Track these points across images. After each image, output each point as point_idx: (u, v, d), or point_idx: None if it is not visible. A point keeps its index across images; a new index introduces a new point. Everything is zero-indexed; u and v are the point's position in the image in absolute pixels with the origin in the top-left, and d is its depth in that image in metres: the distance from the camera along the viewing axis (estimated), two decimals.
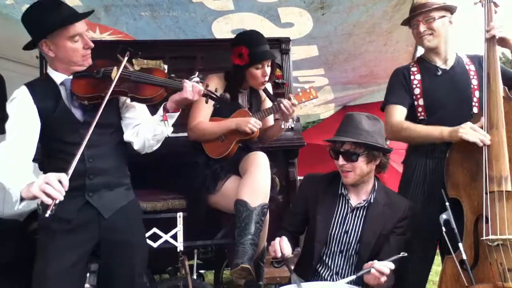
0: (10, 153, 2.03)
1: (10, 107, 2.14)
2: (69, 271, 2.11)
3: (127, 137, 2.30)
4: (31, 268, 2.26)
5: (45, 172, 2.11)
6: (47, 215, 1.79)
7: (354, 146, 2.33)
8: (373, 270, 2.08)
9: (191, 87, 2.21)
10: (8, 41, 4.13)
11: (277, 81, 3.44)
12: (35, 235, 4.15)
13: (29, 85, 2.18)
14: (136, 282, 2.30)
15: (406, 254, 2.17)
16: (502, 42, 2.58)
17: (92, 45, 2.16)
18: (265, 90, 3.06)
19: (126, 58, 2.21)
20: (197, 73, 3.13)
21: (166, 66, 3.30)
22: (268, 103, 3.07)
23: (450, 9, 2.74)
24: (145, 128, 2.28)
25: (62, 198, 1.82)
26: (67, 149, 2.10)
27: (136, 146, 2.30)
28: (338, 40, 4.57)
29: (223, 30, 4.14)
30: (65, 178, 1.85)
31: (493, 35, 2.53)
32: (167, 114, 2.22)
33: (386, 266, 2.08)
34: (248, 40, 2.88)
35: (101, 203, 2.19)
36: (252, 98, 3.06)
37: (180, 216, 2.70)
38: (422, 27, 2.71)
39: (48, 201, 1.80)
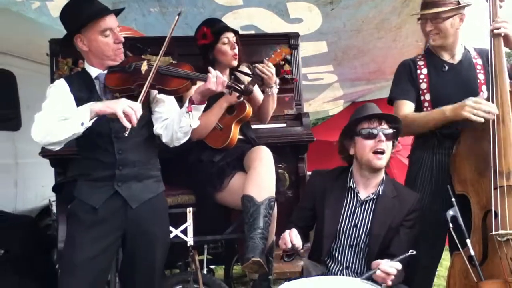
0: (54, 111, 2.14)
1: (49, 92, 2.26)
2: (94, 260, 2.19)
3: (156, 130, 2.37)
4: (42, 263, 2.32)
5: (75, 163, 2.40)
6: (126, 134, 2.03)
7: (388, 126, 2.36)
8: (378, 272, 2.07)
9: (215, 78, 2.27)
10: (18, 38, 4.17)
11: (286, 76, 3.44)
12: (46, 231, 4.22)
13: (66, 78, 2.35)
14: (156, 275, 2.36)
15: (414, 252, 2.15)
16: (506, 40, 2.54)
17: (123, 39, 2.27)
18: (242, 72, 3.08)
19: (160, 55, 2.31)
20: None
21: (175, 63, 3.31)
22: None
23: (462, 7, 2.65)
24: (172, 121, 2.35)
25: (135, 125, 2.03)
26: (96, 141, 2.23)
27: (164, 139, 2.36)
28: (347, 36, 4.56)
29: (231, 25, 4.12)
30: (140, 108, 2.07)
31: (499, 33, 2.49)
32: (192, 105, 2.27)
33: (392, 266, 2.07)
34: (207, 21, 3.01)
35: (129, 193, 2.26)
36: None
37: (190, 211, 2.72)
38: (429, 27, 2.66)
39: (127, 124, 2.01)
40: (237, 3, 3.88)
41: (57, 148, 2.15)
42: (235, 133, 2.86)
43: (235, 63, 2.99)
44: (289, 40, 3.61)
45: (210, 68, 2.34)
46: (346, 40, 4.65)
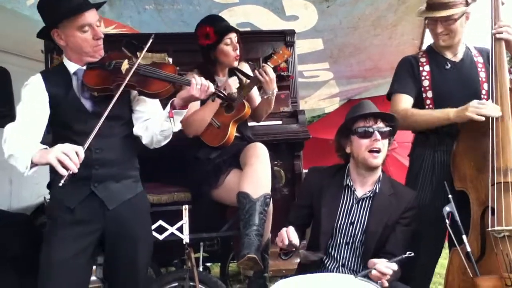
0: (20, 131, 2.06)
1: (23, 92, 2.18)
2: (72, 262, 2.12)
3: (136, 130, 2.31)
4: (37, 261, 2.29)
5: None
6: (60, 184, 1.85)
7: (384, 125, 2.35)
8: (374, 272, 2.06)
9: (200, 85, 2.22)
10: (13, 35, 4.14)
11: (282, 73, 3.43)
12: (42, 229, 4.19)
13: (44, 73, 2.25)
14: (140, 276, 2.30)
15: (412, 254, 2.14)
16: (508, 44, 2.53)
17: (102, 35, 2.18)
18: (242, 72, 3.06)
19: (143, 53, 2.25)
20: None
21: (170, 59, 3.31)
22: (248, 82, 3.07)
23: (468, 4, 2.61)
24: (153, 123, 2.29)
25: (76, 171, 1.87)
26: (75, 139, 2.10)
27: (144, 141, 2.31)
28: (343, 33, 4.56)
29: None
30: (81, 150, 1.91)
31: (499, 34, 2.49)
32: (173, 111, 2.21)
33: (388, 267, 2.06)
34: (209, 19, 2.95)
35: (106, 194, 2.19)
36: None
37: (185, 208, 2.71)
38: (440, 28, 2.63)
39: (63, 171, 1.85)
40: (233, 1, 3.88)
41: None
42: (232, 132, 2.86)
43: (236, 64, 2.99)
44: (285, 37, 3.61)
45: (194, 75, 2.29)
46: (342, 37, 4.64)
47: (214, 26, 2.87)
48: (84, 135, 2.06)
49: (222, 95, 2.34)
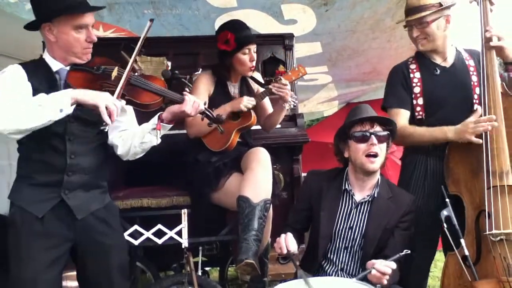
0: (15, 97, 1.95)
1: (1, 77, 2.02)
2: (43, 275, 2.04)
3: (112, 139, 2.26)
4: None
5: (20, 164, 2.14)
6: (106, 129, 1.99)
7: (382, 128, 2.35)
8: (373, 271, 2.06)
9: (193, 102, 2.21)
10: (12, 40, 4.14)
11: (281, 77, 3.44)
12: None
13: (23, 65, 2.11)
14: (115, 283, 2.23)
15: (409, 252, 2.16)
16: (499, 50, 2.54)
17: (95, 39, 2.12)
18: (255, 79, 3.08)
19: (131, 60, 2.17)
20: (200, 69, 3.15)
21: (169, 63, 3.31)
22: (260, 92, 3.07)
23: (446, 8, 2.64)
24: (133, 134, 2.25)
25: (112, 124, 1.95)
26: (50, 141, 2.05)
27: (119, 151, 2.27)
28: (342, 36, 4.57)
29: None
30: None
31: (490, 39, 2.50)
32: (161, 123, 2.18)
33: (387, 266, 2.06)
34: (232, 26, 2.94)
35: (76, 203, 2.11)
36: (243, 90, 3.06)
37: (184, 212, 2.70)
38: (416, 32, 2.65)
39: (108, 120, 1.90)
40: (232, 5, 3.89)
41: (19, 137, 1.95)
42: (235, 139, 2.87)
43: (250, 74, 3.01)
44: (284, 41, 3.63)
45: (187, 93, 2.27)
46: (341, 40, 4.65)
47: (236, 34, 2.87)
48: (59, 137, 2.04)
49: (210, 115, 2.34)
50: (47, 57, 2.14)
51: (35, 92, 2.01)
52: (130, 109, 2.32)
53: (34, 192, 2.07)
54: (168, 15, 3.90)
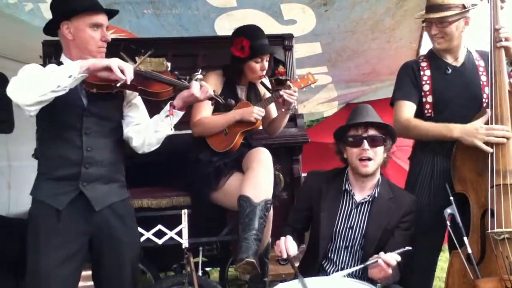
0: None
1: (22, 69, 2.15)
2: (60, 269, 2.11)
3: (127, 133, 2.35)
4: None
5: (40, 162, 2.25)
6: (118, 85, 2.04)
7: (378, 132, 2.33)
8: (380, 261, 2.07)
9: (199, 86, 2.29)
10: (12, 41, 4.14)
11: (280, 77, 3.43)
12: None
13: (40, 65, 2.22)
14: (127, 279, 2.29)
15: (411, 248, 2.15)
16: (507, 50, 2.54)
17: (109, 39, 2.24)
18: (263, 84, 3.08)
19: (145, 56, 2.35)
20: (200, 70, 3.15)
21: (169, 64, 3.30)
22: (267, 96, 3.08)
23: (468, 10, 2.62)
24: (146, 125, 2.34)
25: (128, 81, 2.02)
26: (65, 135, 2.16)
27: (135, 143, 2.34)
28: (341, 37, 4.57)
29: (225, 27, 4.13)
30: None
31: (501, 41, 2.50)
32: (173, 110, 2.27)
33: (392, 257, 2.07)
34: (249, 32, 2.93)
35: (94, 195, 2.18)
36: (250, 94, 3.08)
37: (184, 213, 2.70)
38: (435, 30, 2.63)
39: (121, 76, 2.00)
40: (231, 5, 3.88)
41: (33, 108, 2.01)
42: (239, 141, 2.87)
43: (258, 81, 3.03)
44: (283, 41, 3.62)
45: (195, 81, 2.33)
46: (340, 41, 4.65)
47: (251, 42, 2.87)
48: (75, 130, 2.15)
49: (220, 100, 2.42)
50: (64, 59, 2.25)
51: None
52: (141, 104, 2.43)
53: (54, 186, 2.15)
54: (168, 15, 3.90)
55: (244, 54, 2.87)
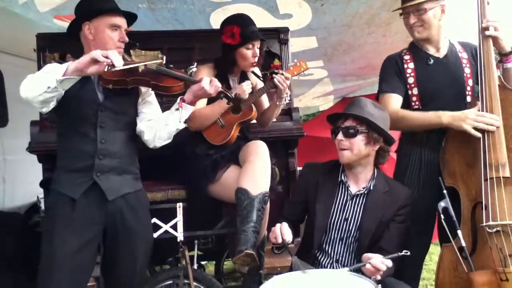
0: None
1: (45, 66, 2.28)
2: (74, 256, 2.19)
3: (139, 127, 2.43)
4: (33, 260, 2.28)
5: (59, 155, 2.37)
6: (105, 70, 2.05)
7: (356, 123, 2.34)
8: (368, 266, 2.06)
9: (209, 80, 2.36)
10: (5, 34, 4.12)
11: (276, 71, 3.43)
12: (36, 228, 4.20)
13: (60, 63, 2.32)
14: (138, 271, 2.36)
15: (408, 253, 2.14)
16: (495, 41, 2.54)
17: (127, 40, 2.37)
18: (255, 73, 3.08)
19: (161, 56, 2.51)
20: (195, 63, 3.15)
21: (164, 57, 3.30)
22: (260, 86, 3.08)
23: None
24: (157, 119, 2.42)
25: (116, 64, 2.03)
26: (81, 129, 2.28)
27: (146, 136, 2.41)
28: (337, 31, 4.55)
29: (221, 21, 4.11)
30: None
31: (487, 29, 2.50)
32: (182, 103, 2.34)
33: (383, 263, 2.06)
34: (239, 20, 2.94)
35: (108, 185, 2.28)
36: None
37: (179, 206, 2.69)
38: (413, 19, 2.67)
39: (106, 60, 2.02)
40: None
41: (40, 105, 2.13)
42: (235, 133, 2.88)
43: (251, 69, 3.02)
44: (279, 35, 3.61)
45: (205, 77, 2.38)
46: (336, 35, 4.64)
47: (242, 28, 2.87)
48: (90, 125, 2.27)
49: (229, 94, 2.47)
50: None
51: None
52: (155, 101, 2.54)
53: (70, 177, 2.27)
54: (163, 9, 3.88)
55: (235, 41, 2.86)
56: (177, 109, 2.35)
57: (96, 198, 2.27)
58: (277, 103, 2.94)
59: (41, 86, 2.05)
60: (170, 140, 2.44)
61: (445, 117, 2.51)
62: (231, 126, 2.84)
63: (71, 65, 2.07)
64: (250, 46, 2.89)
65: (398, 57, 2.80)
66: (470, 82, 2.70)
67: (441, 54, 2.76)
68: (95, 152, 2.27)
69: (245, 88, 2.85)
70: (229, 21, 2.94)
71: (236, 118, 2.85)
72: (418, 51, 2.77)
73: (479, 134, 2.41)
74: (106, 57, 2.03)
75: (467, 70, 2.72)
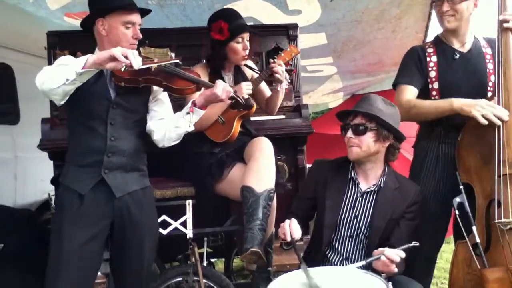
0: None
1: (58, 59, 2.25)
2: (81, 250, 2.19)
3: (149, 126, 2.43)
4: (42, 256, 2.30)
5: (69, 150, 2.38)
6: (122, 69, 2.08)
7: (365, 120, 2.33)
8: (383, 257, 2.06)
9: (222, 86, 2.38)
10: (16, 32, 4.15)
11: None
12: (46, 225, 4.23)
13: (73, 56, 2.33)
14: (145, 265, 2.38)
15: (417, 244, 2.14)
16: None
17: (141, 36, 2.35)
18: (248, 66, 3.09)
19: (171, 54, 2.42)
20: (204, 60, 3.14)
21: (173, 54, 3.30)
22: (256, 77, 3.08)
23: None
24: (168, 120, 2.42)
25: (135, 66, 2.05)
26: (91, 124, 2.28)
27: (156, 136, 2.42)
28: (347, 27, 4.53)
29: None
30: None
31: (506, 22, 2.47)
32: (194, 107, 2.36)
33: (397, 254, 2.06)
34: (225, 15, 2.93)
35: (115, 182, 2.29)
36: (238, 79, 3.05)
37: (189, 203, 2.71)
38: (446, 7, 2.61)
39: (125, 60, 2.03)
40: None
41: (56, 97, 2.15)
42: (237, 128, 2.86)
43: (243, 63, 3.01)
44: (288, 31, 3.59)
45: (219, 80, 2.42)
46: (346, 31, 4.62)
47: (229, 23, 2.86)
48: (101, 121, 2.27)
49: (240, 100, 2.49)
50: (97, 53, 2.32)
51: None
52: (167, 99, 2.52)
53: (78, 173, 2.28)
54: (172, 5, 3.88)
55: (223, 36, 2.86)
56: (188, 113, 2.36)
57: (103, 194, 2.28)
58: (277, 89, 2.95)
59: (60, 78, 2.05)
60: (179, 141, 2.45)
61: (456, 102, 2.48)
62: (232, 122, 2.83)
63: (90, 58, 2.08)
64: (240, 39, 2.88)
65: (421, 50, 2.77)
66: (493, 78, 2.64)
67: (466, 48, 2.72)
68: (105, 149, 2.27)
69: (244, 90, 2.82)
70: (216, 17, 2.94)
71: (236, 113, 2.83)
72: (443, 45, 2.74)
73: (484, 121, 2.38)
74: (126, 57, 2.04)
75: (490, 66, 2.68)
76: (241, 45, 2.89)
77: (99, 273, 2.55)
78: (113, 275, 2.48)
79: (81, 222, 2.22)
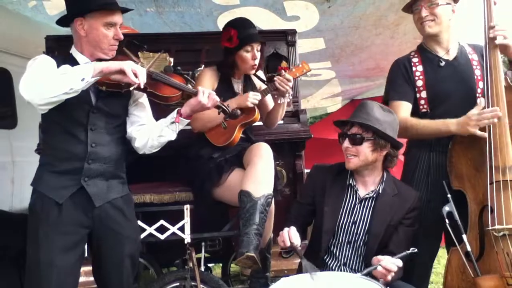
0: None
1: (33, 61, 2.13)
2: (60, 259, 2.11)
3: (130, 132, 2.37)
4: None
5: (44, 152, 2.29)
6: (131, 89, 2.09)
7: (362, 130, 2.33)
8: (379, 268, 2.06)
9: (207, 94, 2.33)
10: (14, 36, 4.15)
11: (278, 74, 3.44)
12: None
13: (50, 55, 2.25)
14: (125, 272, 2.30)
15: (416, 250, 2.14)
16: (503, 48, 2.52)
17: (122, 37, 2.26)
18: (258, 77, 3.08)
19: (158, 54, 2.48)
20: (203, 66, 3.15)
21: (172, 59, 3.31)
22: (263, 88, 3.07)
23: None
24: (151, 128, 2.36)
25: (142, 85, 2.06)
26: (71, 129, 2.18)
27: (137, 144, 2.37)
28: (345, 32, 4.55)
29: None
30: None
31: (495, 38, 2.48)
32: (180, 117, 2.31)
33: (394, 263, 2.06)
34: (237, 23, 2.94)
35: (95, 190, 2.21)
36: (247, 87, 3.06)
37: (187, 208, 2.71)
38: (424, 12, 2.63)
39: (135, 79, 2.02)
40: (234, 2, 3.88)
41: (46, 108, 2.05)
42: (238, 135, 2.87)
43: (252, 72, 3.01)
44: (286, 37, 3.60)
45: (201, 88, 2.37)
46: (344, 36, 4.64)
47: (239, 31, 2.87)
48: (81, 126, 2.17)
49: (226, 109, 2.44)
50: (74, 52, 2.27)
51: None
52: (147, 103, 2.45)
53: (55, 179, 2.17)
54: (171, 13, 3.90)
55: (232, 44, 2.87)
56: (173, 123, 2.32)
57: (82, 203, 2.19)
58: (278, 102, 2.94)
59: (61, 87, 1.96)
60: (159, 148, 2.40)
61: (453, 125, 2.49)
62: (233, 128, 2.84)
63: (97, 66, 2.02)
64: (249, 48, 2.88)
65: (406, 61, 2.77)
66: (481, 84, 2.66)
67: (451, 56, 2.73)
68: (85, 155, 2.18)
69: (251, 99, 2.82)
70: (228, 24, 2.95)
71: (239, 120, 2.84)
72: (427, 53, 2.75)
73: (484, 134, 2.40)
74: (136, 75, 2.00)
75: (478, 72, 2.69)
76: (250, 54, 2.89)
77: (89, 279, 2.51)
78: (97, 284, 2.41)
79: (58, 231, 2.13)
